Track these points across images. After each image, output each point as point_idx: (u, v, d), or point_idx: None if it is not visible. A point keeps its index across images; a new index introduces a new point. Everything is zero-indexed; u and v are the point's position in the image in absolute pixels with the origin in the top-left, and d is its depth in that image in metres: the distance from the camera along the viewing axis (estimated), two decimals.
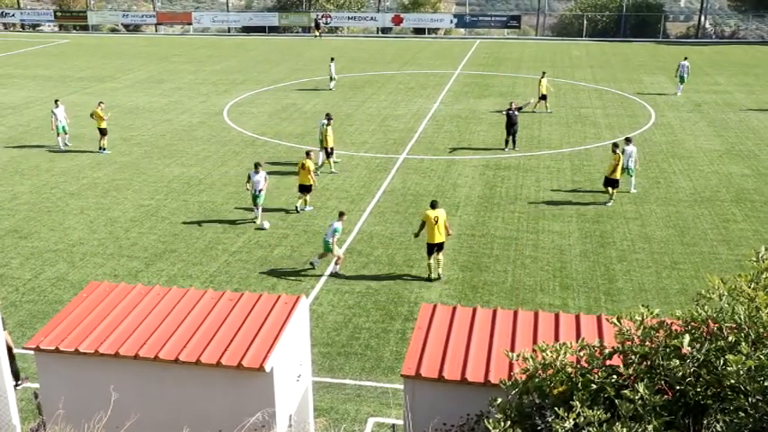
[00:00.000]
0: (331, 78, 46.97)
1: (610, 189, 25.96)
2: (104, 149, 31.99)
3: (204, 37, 74.85)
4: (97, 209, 25.48)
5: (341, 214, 21.27)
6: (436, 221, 19.88)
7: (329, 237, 20.32)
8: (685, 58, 45.66)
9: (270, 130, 36.05)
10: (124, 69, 53.60)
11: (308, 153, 25.88)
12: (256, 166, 24.35)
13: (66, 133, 32.71)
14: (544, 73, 41.08)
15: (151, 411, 9.72)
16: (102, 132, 31.86)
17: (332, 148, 29.51)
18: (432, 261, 20.30)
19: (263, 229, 23.64)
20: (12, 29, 76.60)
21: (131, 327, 10.65)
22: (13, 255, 21.87)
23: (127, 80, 49.47)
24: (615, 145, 26.35)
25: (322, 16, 74.87)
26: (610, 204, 25.66)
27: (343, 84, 47.71)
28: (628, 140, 27.24)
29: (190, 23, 77.81)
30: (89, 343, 10.34)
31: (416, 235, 20.68)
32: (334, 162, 29.82)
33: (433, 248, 20.17)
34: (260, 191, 23.93)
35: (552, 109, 39.83)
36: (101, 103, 33.02)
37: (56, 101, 33.71)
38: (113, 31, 77.95)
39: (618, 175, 25.70)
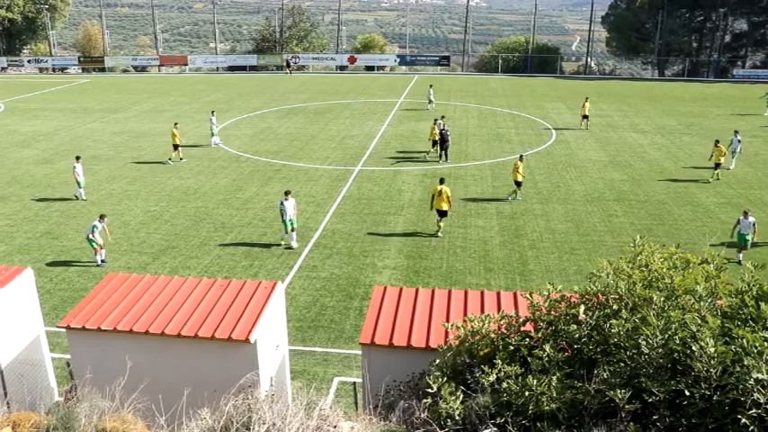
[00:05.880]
0: (429, 101, 47.52)
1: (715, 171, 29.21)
2: (170, 161, 32.51)
3: (197, 75, 73.76)
4: (113, 214, 24.92)
5: (101, 217, 20.75)
6: (439, 193, 22.31)
7: (89, 233, 20.11)
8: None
9: (250, 148, 35.67)
10: (134, 102, 52.50)
11: (520, 156, 27.26)
12: (286, 193, 21.84)
13: (214, 135, 36.13)
14: (587, 98, 42.78)
15: (159, 376, 9.56)
16: (175, 147, 32.55)
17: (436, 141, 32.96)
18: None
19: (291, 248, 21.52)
20: (45, 72, 75.91)
21: (142, 308, 10.52)
22: (47, 252, 21.35)
23: (136, 111, 48.47)
24: (717, 141, 29.83)
25: (292, 57, 74.79)
26: (712, 180, 28.98)
27: (309, 110, 47.44)
28: (736, 132, 32.07)
29: (186, 64, 77.00)
30: (109, 322, 10.23)
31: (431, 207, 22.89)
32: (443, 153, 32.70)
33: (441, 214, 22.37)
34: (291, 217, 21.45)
35: (586, 127, 40.69)
36: (176, 124, 33.59)
37: (212, 111, 38.18)
38: (125, 71, 76.71)
39: (723, 160, 29.28)
